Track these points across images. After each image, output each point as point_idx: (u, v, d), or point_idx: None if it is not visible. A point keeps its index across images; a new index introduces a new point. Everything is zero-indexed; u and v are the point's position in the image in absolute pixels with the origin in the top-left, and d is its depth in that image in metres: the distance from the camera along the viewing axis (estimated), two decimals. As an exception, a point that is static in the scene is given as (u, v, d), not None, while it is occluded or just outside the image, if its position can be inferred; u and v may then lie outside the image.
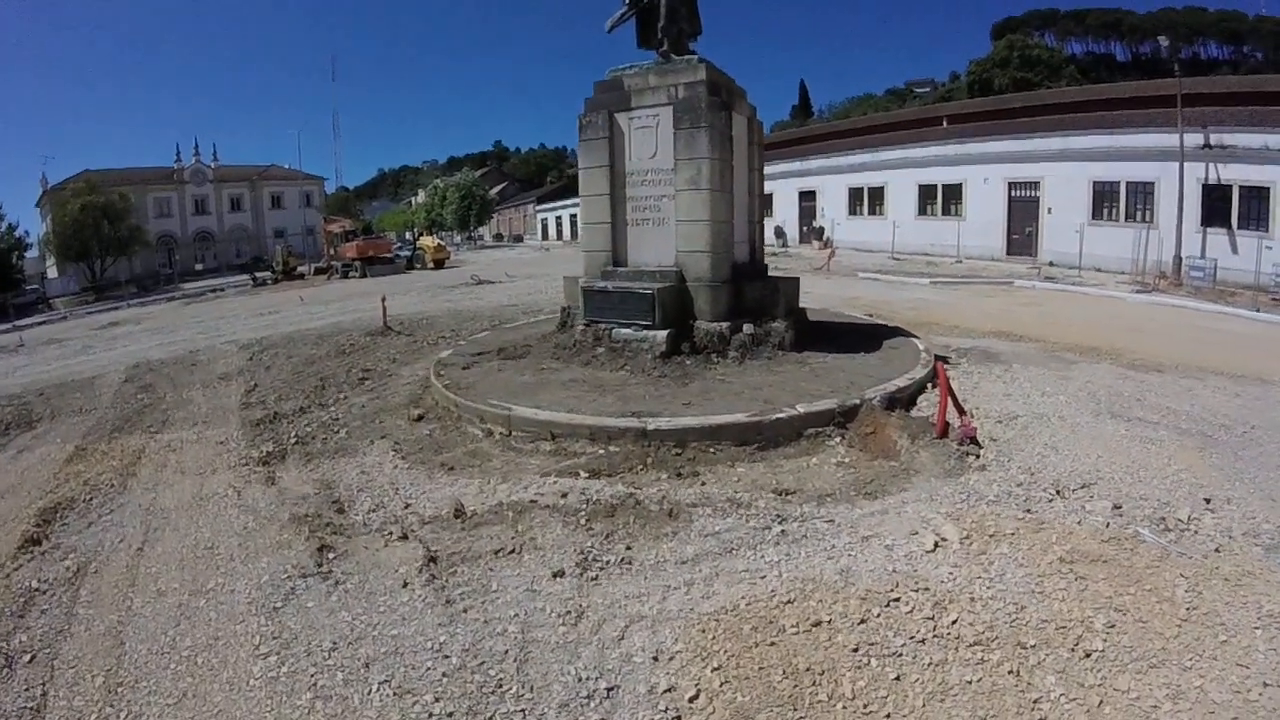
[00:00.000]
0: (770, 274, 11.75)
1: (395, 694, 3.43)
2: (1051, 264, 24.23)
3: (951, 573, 4.23)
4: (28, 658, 4.00)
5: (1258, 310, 15.27)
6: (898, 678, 3.38)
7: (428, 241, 40.55)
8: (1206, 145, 20.92)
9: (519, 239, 71.79)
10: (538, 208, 72.68)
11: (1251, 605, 3.84)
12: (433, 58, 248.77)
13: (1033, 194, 26.69)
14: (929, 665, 3.45)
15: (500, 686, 3.43)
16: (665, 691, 3.36)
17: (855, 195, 34.69)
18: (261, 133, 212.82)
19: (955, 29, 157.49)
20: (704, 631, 3.75)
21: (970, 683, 3.33)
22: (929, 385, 8.27)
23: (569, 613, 3.98)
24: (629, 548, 4.70)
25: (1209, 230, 21.12)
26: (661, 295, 9.23)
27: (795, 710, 3.23)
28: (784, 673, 3.43)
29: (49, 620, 4.40)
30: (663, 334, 9.12)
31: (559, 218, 67.13)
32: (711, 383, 8.21)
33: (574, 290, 10.61)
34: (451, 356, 10.56)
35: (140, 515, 5.96)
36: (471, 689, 3.43)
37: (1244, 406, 7.69)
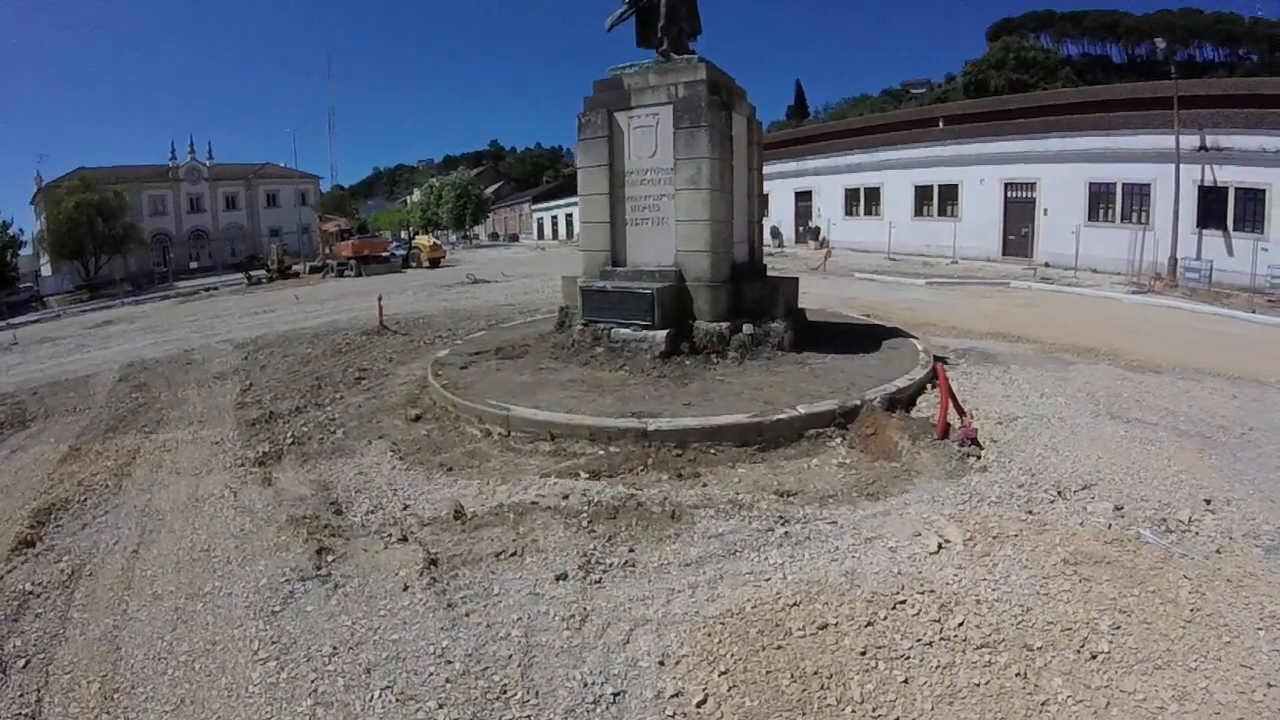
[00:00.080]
0: (769, 274, 11.74)
1: (398, 700, 3.39)
2: (1047, 265, 24.29)
3: (956, 574, 4.21)
4: (22, 663, 3.94)
5: (1253, 312, 15.32)
6: (906, 680, 3.36)
7: (423, 241, 40.43)
8: (1202, 147, 20.99)
9: (514, 238, 71.65)
10: (533, 207, 72.58)
11: (1254, 606, 3.86)
12: (429, 56, 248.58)
13: (1029, 195, 26.74)
14: (937, 668, 3.43)
15: (505, 692, 3.39)
16: (673, 696, 3.33)
17: (851, 196, 34.72)
18: (257, 131, 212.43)
19: (951, 30, 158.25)
20: (710, 635, 3.72)
21: (978, 685, 3.32)
22: (928, 386, 8.27)
23: (573, 616, 3.94)
24: (632, 550, 4.67)
25: (1204, 232, 21.19)
26: (661, 295, 9.20)
27: (804, 714, 3.21)
28: (792, 676, 3.41)
29: (43, 624, 4.33)
30: (662, 334, 9.09)
31: (555, 217, 67.03)
32: (711, 383, 8.19)
33: (572, 290, 10.57)
34: (449, 356, 10.51)
35: (135, 516, 5.89)
36: (476, 695, 3.39)
37: (1241, 408, 7.71)
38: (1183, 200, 21.02)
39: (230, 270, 48.43)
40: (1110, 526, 4.83)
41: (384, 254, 37.88)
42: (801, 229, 37.27)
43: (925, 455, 6.12)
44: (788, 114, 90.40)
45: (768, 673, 3.43)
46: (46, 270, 50.74)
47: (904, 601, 3.93)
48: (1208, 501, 5.20)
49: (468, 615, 4.03)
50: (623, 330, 9.42)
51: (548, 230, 68.14)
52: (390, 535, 5.08)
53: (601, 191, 10.05)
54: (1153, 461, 6.03)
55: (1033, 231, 26.32)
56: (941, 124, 37.15)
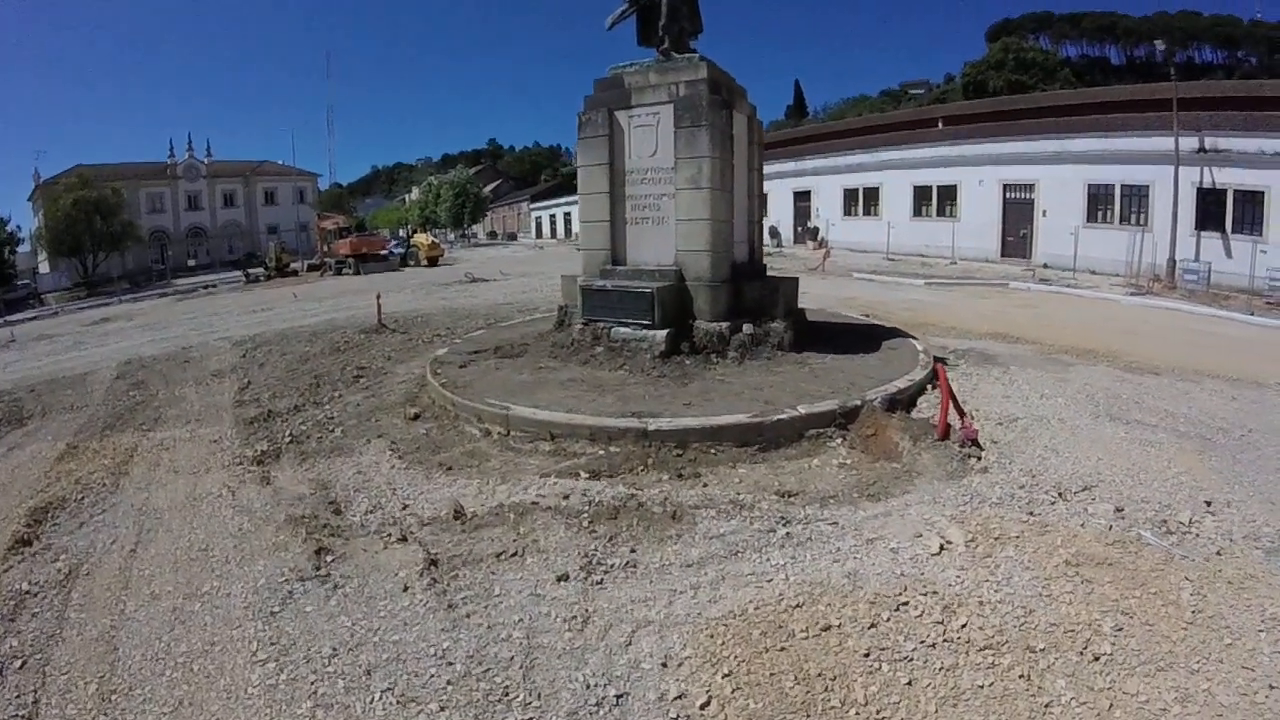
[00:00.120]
0: (769, 274, 11.72)
1: (399, 702, 3.36)
2: (1046, 266, 24.29)
3: (959, 576, 4.21)
4: (19, 663, 3.91)
5: (1252, 314, 15.33)
6: (909, 683, 3.35)
7: (422, 239, 40.34)
8: (1201, 149, 21.01)
9: (513, 237, 71.59)
10: (532, 206, 72.52)
11: (1255, 608, 3.87)
12: (428, 55, 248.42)
13: (1028, 196, 26.75)
14: (940, 670, 3.42)
15: (507, 694, 3.37)
16: (676, 698, 3.31)
17: (850, 196, 34.71)
18: (255, 129, 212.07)
19: (950, 31, 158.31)
20: (713, 636, 3.70)
21: (982, 687, 3.31)
22: (928, 387, 8.27)
23: (575, 617, 3.92)
24: (633, 550, 4.65)
25: (1203, 234, 21.21)
26: (661, 294, 9.18)
27: (808, 717, 3.20)
28: (796, 678, 3.39)
29: (40, 624, 4.30)
30: (662, 333, 9.07)
31: (553, 216, 66.98)
32: (711, 383, 8.17)
33: (572, 289, 10.55)
34: (448, 355, 10.48)
35: (133, 515, 5.86)
36: (477, 697, 3.36)
37: (1240, 410, 7.73)
38: (1181, 202, 21.02)
39: (228, 268, 48.27)
40: (1111, 528, 4.83)
41: (382, 252, 37.87)
42: (800, 229, 37.25)
43: (926, 456, 6.12)
44: (786, 114, 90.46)
45: (771, 675, 3.42)
46: (44, 267, 50.58)
47: (907, 603, 3.92)
48: (1208, 503, 5.21)
49: (469, 616, 4.00)
50: (622, 329, 9.40)
51: (546, 229, 68.08)
52: (390, 535, 5.05)
53: (602, 190, 10.02)
54: (1153, 463, 6.04)
55: (1031, 232, 26.32)
56: (941, 124, 37.14)
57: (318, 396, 9.33)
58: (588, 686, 3.40)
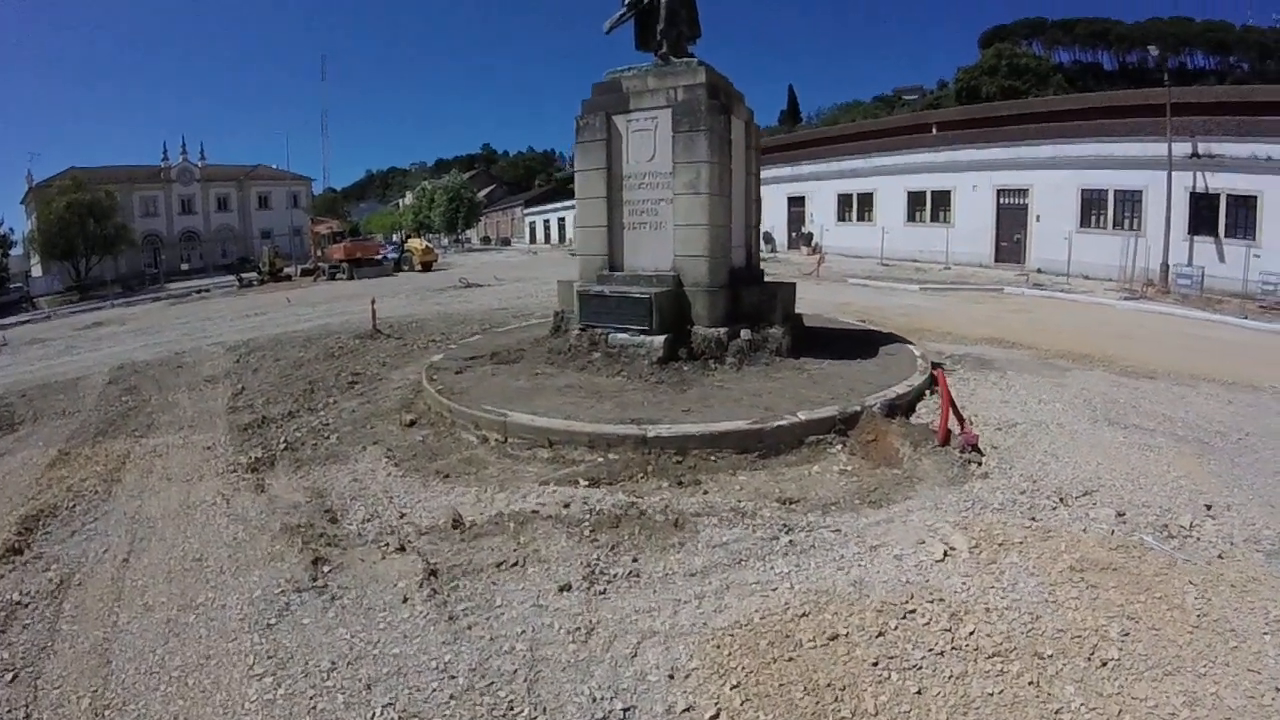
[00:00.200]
0: (766, 279, 11.70)
1: (400, 718, 3.29)
2: (1040, 271, 24.42)
3: (964, 583, 4.18)
4: (10, 676, 3.82)
5: (1245, 318, 15.43)
6: (919, 691, 3.32)
7: (416, 244, 40.33)
8: (1194, 154, 21.18)
9: (506, 242, 71.54)
10: (525, 211, 72.53)
11: (1259, 611, 3.87)
12: (422, 59, 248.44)
13: (1021, 201, 26.90)
14: (950, 678, 3.39)
15: (511, 709, 3.30)
16: (684, 711, 3.26)
17: (844, 201, 34.83)
18: (249, 132, 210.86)
19: (943, 37, 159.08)
20: (719, 647, 3.65)
21: (991, 695, 3.29)
22: (927, 392, 8.26)
23: (578, 629, 3.86)
24: (635, 560, 4.59)
25: (1196, 238, 21.38)
26: (659, 300, 9.14)
27: (818, 728, 3.15)
28: (805, 689, 3.35)
29: (31, 636, 4.21)
30: (660, 339, 9.03)
31: (547, 221, 67.00)
32: (710, 389, 8.13)
33: (568, 294, 10.50)
34: (443, 360, 10.41)
35: (125, 524, 5.76)
36: (481, 712, 3.29)
37: (1237, 413, 7.75)
38: (1175, 207, 21.17)
39: (221, 272, 48.17)
40: (1113, 533, 4.83)
41: (376, 257, 37.78)
42: (794, 234, 37.34)
43: (927, 462, 6.10)
44: (780, 119, 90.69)
45: (780, 685, 3.37)
46: (37, 271, 50.36)
47: (914, 611, 3.89)
48: (1208, 507, 5.21)
49: (470, 628, 3.93)
50: (620, 335, 9.36)
51: (540, 234, 68.08)
52: (388, 545, 4.97)
53: (599, 195, 9.99)
54: (1152, 467, 6.04)
55: (1025, 238, 26.48)
56: (934, 130, 37.32)
57: (312, 403, 9.25)
58: (594, 700, 3.33)
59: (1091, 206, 24.66)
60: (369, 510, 5.68)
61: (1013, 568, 4.33)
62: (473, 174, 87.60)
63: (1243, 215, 20.60)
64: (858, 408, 7.14)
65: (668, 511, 5.26)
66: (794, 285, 11.46)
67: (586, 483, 5.91)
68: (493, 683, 3.48)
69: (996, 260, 27.36)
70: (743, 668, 3.49)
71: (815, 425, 6.87)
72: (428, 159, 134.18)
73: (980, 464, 6.13)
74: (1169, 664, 3.45)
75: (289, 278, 37.43)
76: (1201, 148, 21.17)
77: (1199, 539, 4.73)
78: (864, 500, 5.49)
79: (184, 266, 54.11)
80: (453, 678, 3.52)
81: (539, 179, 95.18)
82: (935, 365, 9.06)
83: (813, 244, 34.37)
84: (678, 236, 9.53)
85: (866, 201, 33.62)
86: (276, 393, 9.98)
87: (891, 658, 3.53)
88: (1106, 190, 24.13)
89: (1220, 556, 4.49)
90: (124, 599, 4.56)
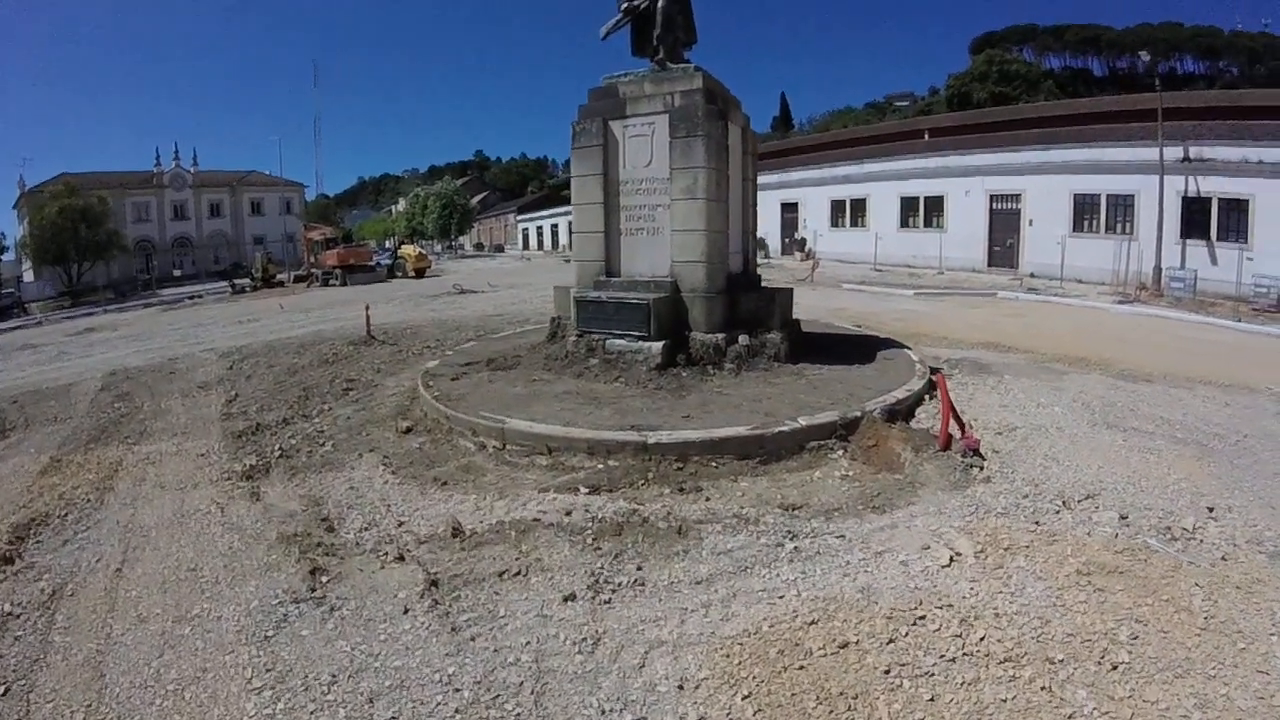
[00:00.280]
0: (763, 285, 11.69)
1: (404, 731, 3.23)
2: (1033, 275, 24.56)
3: (972, 588, 4.15)
4: (1, 690, 3.73)
5: (1239, 320, 15.53)
6: (932, 699, 3.28)
7: (409, 250, 40.20)
8: (1186, 158, 21.33)
9: (500, 249, 71.47)
10: (519, 217, 72.58)
11: (1265, 612, 3.87)
12: (415, 66, 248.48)
13: (1014, 206, 27.06)
14: (962, 684, 3.35)
15: (519, 722, 3.24)
16: (695, 722, 3.21)
17: (837, 207, 34.96)
18: (242, 139, 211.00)
19: (934, 44, 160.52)
20: (729, 656, 3.59)
21: (1005, 701, 3.25)
22: (926, 397, 8.25)
23: (585, 639, 3.79)
24: (640, 568, 4.53)
25: (1188, 242, 21.53)
26: (656, 306, 9.11)
27: (832, 739, 3.11)
28: (817, 698, 3.30)
29: (23, 648, 4.11)
30: (658, 345, 8.99)
31: (540, 228, 67.05)
32: (709, 395, 8.09)
33: (565, 300, 10.44)
34: (439, 367, 10.34)
35: (119, 533, 5.66)
36: (488, 725, 3.23)
37: (1234, 415, 7.78)
38: (1167, 211, 21.36)
39: (214, 278, 47.99)
40: (1117, 536, 4.81)
41: (369, 263, 37.67)
42: (787, 240, 37.45)
43: (928, 466, 6.08)
44: (773, 126, 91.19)
45: (792, 695, 3.32)
46: (29, 276, 50.07)
47: (923, 617, 3.85)
48: (1210, 509, 5.22)
49: (473, 639, 3.85)
50: (618, 341, 9.31)
51: (533, 241, 68.09)
52: (386, 554, 4.90)
53: (596, 201, 9.95)
54: (1152, 470, 6.05)
55: (1018, 242, 26.62)
56: (927, 136, 37.57)
57: (307, 409, 9.16)
58: (602, 712, 3.27)
59: (1084, 211, 24.83)
60: (366, 519, 5.60)
61: (1020, 572, 4.30)
62: (466, 180, 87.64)
63: (1234, 218, 20.75)
64: (858, 413, 7.12)
65: (670, 519, 5.21)
66: (791, 290, 11.44)
67: (587, 490, 5.85)
68: (499, 695, 3.40)
69: (989, 265, 27.50)
70: (754, 677, 3.44)
71: (816, 431, 6.83)
72: (421, 165, 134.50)
73: (982, 468, 6.11)
74: (1179, 666, 3.44)
75: (282, 284, 37.32)
76: (1193, 152, 21.34)
77: (1202, 541, 4.73)
78: (867, 506, 5.46)
79: (176, 272, 53.82)
80: (457, 690, 3.45)
81: (532, 185, 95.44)
82: (934, 370, 9.06)
83: (806, 249, 34.46)
84: (675, 242, 9.50)
85: (859, 207, 33.75)
86: (271, 399, 9.89)
87: (903, 665, 3.49)
88: (1099, 195, 24.30)
89: (1224, 558, 4.48)
90: (118, 610, 4.47)
